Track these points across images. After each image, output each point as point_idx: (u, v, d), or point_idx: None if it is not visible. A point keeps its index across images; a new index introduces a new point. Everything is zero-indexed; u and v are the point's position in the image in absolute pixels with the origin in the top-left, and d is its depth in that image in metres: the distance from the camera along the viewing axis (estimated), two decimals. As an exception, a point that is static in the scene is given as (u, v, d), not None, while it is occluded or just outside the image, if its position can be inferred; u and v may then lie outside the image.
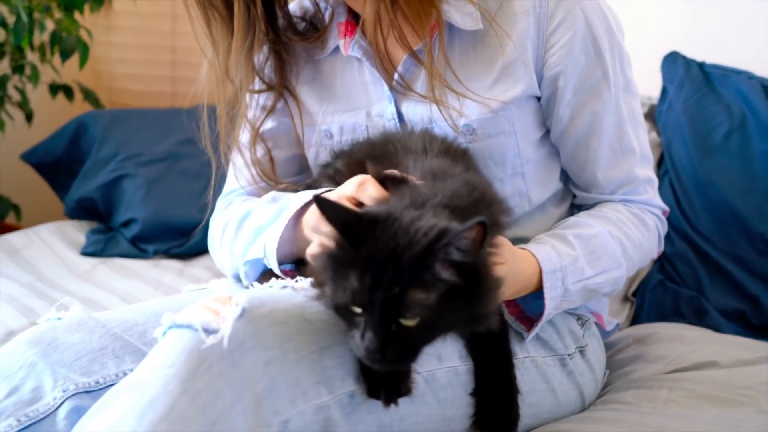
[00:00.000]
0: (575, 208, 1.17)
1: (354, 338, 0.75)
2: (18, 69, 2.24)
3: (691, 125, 1.61)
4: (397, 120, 1.09)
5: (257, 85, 1.15)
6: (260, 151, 1.16)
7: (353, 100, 1.12)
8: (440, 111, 1.03)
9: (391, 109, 1.09)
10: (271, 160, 1.16)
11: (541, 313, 0.97)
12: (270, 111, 1.15)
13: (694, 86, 1.64)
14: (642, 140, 1.12)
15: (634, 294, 1.59)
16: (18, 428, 0.83)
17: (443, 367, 0.92)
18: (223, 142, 1.16)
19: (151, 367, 0.75)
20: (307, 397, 0.79)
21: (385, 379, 0.81)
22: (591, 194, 1.12)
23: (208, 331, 0.75)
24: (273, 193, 1.09)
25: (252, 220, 1.06)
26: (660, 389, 1.10)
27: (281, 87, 1.15)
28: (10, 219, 2.48)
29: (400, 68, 1.07)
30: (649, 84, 1.70)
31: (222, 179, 1.21)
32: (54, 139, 2.24)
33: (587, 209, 1.12)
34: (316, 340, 0.82)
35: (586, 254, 1.00)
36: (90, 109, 2.39)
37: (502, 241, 0.88)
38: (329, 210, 0.74)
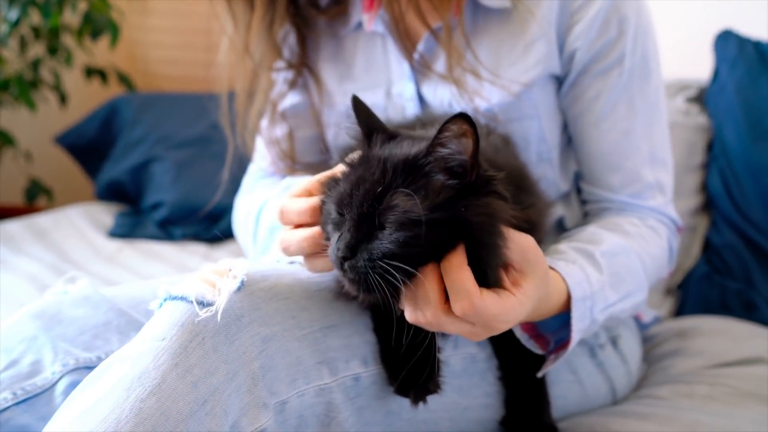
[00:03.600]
0: (583, 204, 1.07)
1: (331, 245, 0.69)
2: (52, 52, 2.26)
3: (744, 108, 1.51)
4: (417, 101, 1.04)
5: (277, 62, 1.11)
6: (282, 131, 1.13)
7: (373, 77, 1.07)
8: (459, 94, 0.97)
9: (410, 88, 1.04)
10: (292, 140, 1.12)
11: (559, 332, 0.87)
12: (289, 88, 1.12)
13: (749, 66, 1.53)
14: (656, 139, 1.01)
15: (679, 286, 1.49)
16: (14, 402, 0.81)
17: (458, 354, 0.86)
18: (241, 122, 1.12)
19: (143, 340, 0.72)
20: (308, 377, 0.75)
21: (413, 374, 0.76)
22: (593, 188, 1.02)
23: (203, 304, 0.71)
24: (287, 181, 1.05)
25: (266, 216, 1.03)
26: (699, 384, 1.04)
27: (301, 64, 1.11)
28: (42, 202, 2.50)
29: (420, 46, 1.02)
30: (698, 65, 1.60)
31: (239, 161, 1.18)
32: (87, 123, 2.26)
33: (592, 207, 1.03)
34: (321, 318, 0.77)
35: (611, 275, 0.89)
36: (124, 93, 2.39)
37: (538, 257, 0.73)
38: (362, 111, 0.74)
